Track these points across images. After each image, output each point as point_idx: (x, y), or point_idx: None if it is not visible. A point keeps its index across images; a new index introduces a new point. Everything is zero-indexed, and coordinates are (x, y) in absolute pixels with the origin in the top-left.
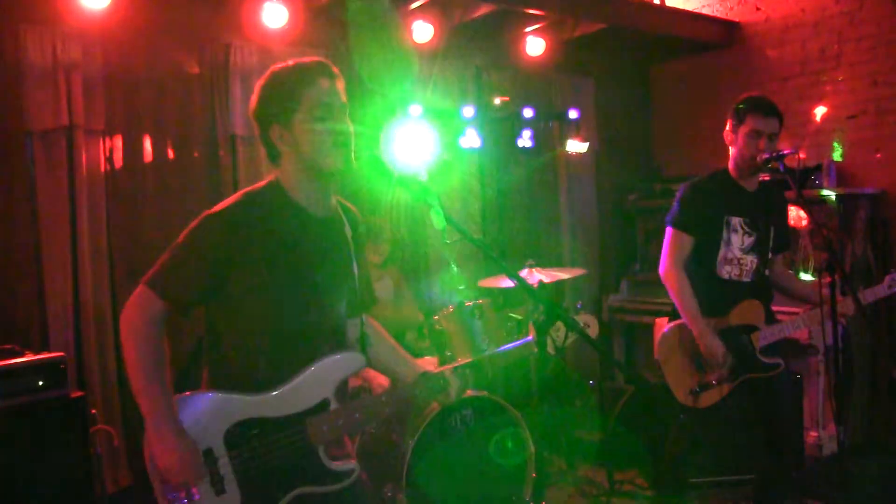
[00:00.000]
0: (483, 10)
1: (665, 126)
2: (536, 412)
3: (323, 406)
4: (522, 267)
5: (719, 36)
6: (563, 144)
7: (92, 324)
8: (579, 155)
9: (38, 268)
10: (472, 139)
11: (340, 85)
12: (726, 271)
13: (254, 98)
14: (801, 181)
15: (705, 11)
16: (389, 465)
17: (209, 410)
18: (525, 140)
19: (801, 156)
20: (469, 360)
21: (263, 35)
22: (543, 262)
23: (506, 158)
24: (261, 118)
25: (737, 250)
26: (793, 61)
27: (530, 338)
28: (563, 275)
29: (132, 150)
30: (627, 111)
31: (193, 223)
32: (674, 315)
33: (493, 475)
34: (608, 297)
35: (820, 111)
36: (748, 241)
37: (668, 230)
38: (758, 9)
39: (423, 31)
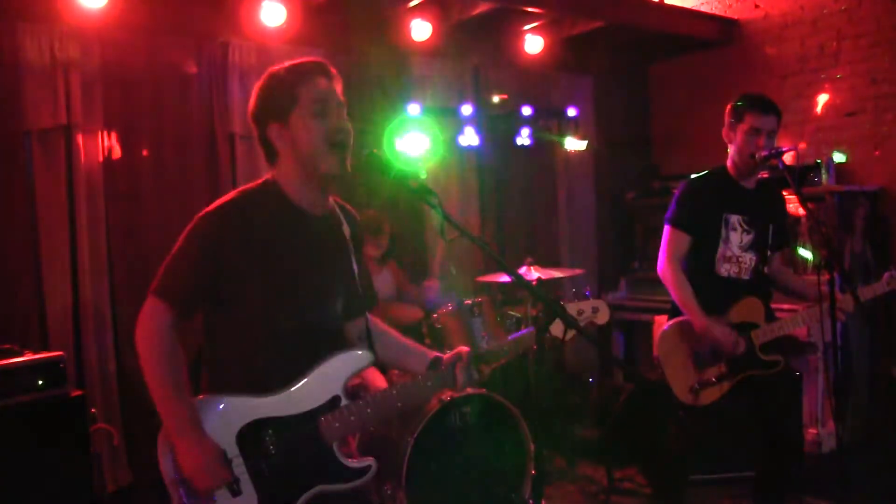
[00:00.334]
0: (481, 8)
1: (664, 124)
2: (535, 410)
3: (334, 403)
4: (521, 265)
5: (718, 33)
6: (561, 143)
7: (91, 323)
8: (578, 153)
9: (36, 267)
10: (470, 137)
11: (338, 85)
12: (725, 269)
13: (252, 99)
14: (800, 179)
15: (704, 9)
16: (389, 462)
17: (221, 413)
18: (523, 138)
19: (801, 149)
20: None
21: (262, 33)
22: (542, 260)
23: (504, 156)
24: (259, 117)
25: (735, 248)
26: (792, 59)
27: (532, 328)
28: (561, 274)
29: (130, 148)
30: (626, 109)
31: (190, 224)
32: (673, 313)
33: (493, 473)
34: (607, 295)
35: (819, 109)
36: (747, 238)
37: (667, 228)
38: (757, 6)
39: (421, 29)
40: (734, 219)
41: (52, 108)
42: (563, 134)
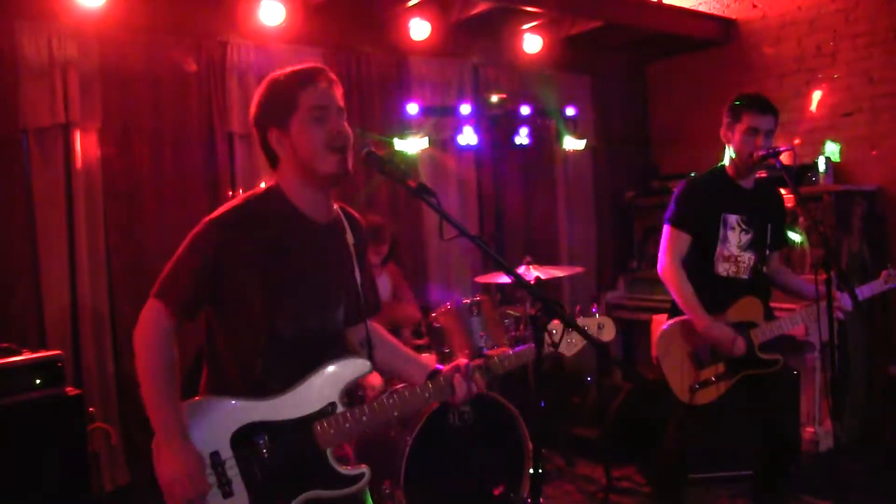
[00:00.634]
0: (481, 7)
1: (662, 123)
2: (534, 409)
3: (329, 409)
4: (520, 264)
5: (716, 33)
6: (560, 142)
7: (89, 322)
8: (577, 153)
9: (34, 266)
10: (469, 137)
11: (338, 90)
12: (724, 269)
13: (253, 105)
14: (798, 178)
15: (702, 9)
16: (388, 461)
17: (216, 415)
18: (522, 137)
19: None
20: (477, 360)
21: (260, 33)
22: (541, 260)
23: (503, 156)
24: (259, 122)
25: (734, 248)
26: (789, 59)
27: (533, 345)
28: (560, 273)
29: (129, 147)
30: (625, 109)
31: (195, 229)
32: (673, 312)
33: (491, 472)
34: (605, 294)
35: (816, 108)
36: (745, 238)
37: (666, 228)
38: (754, 6)
39: (420, 29)
40: (733, 218)
41: (50, 106)
42: (561, 133)
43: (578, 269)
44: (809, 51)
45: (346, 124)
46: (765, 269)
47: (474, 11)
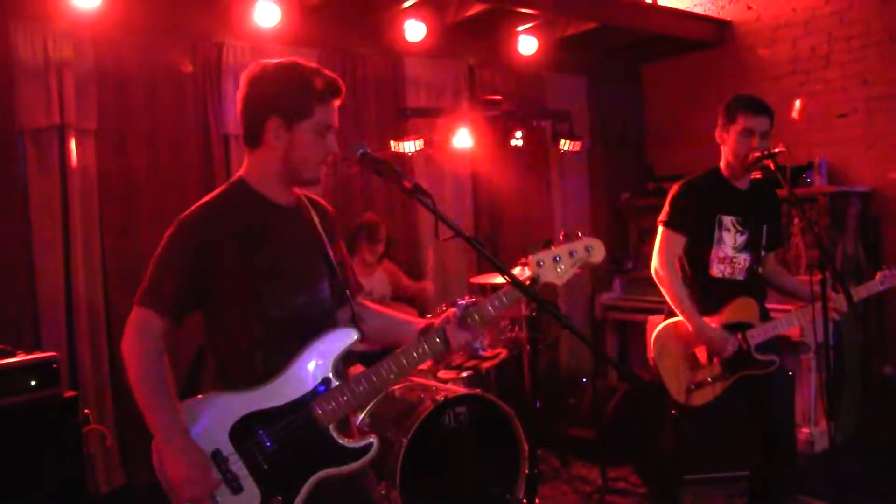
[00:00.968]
0: (476, 8)
1: (657, 125)
2: (529, 409)
3: (324, 385)
4: (515, 265)
5: (711, 35)
6: (555, 143)
7: (84, 323)
8: (572, 154)
9: (30, 267)
10: (464, 138)
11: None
12: (719, 270)
13: (262, 86)
14: (793, 179)
15: (697, 10)
16: (383, 462)
17: (210, 413)
18: (517, 139)
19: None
20: (467, 298)
21: (256, 34)
22: None
23: (498, 157)
24: (264, 106)
25: (729, 249)
26: (784, 60)
27: (509, 283)
28: None
29: (124, 149)
30: (620, 110)
31: (169, 231)
32: (669, 313)
33: (487, 473)
34: (601, 295)
35: (810, 110)
36: (740, 239)
37: (660, 229)
38: (749, 8)
39: (415, 30)
40: (728, 220)
41: (46, 107)
42: (556, 134)
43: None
44: (804, 52)
45: (335, 141)
46: (760, 269)
47: (469, 13)
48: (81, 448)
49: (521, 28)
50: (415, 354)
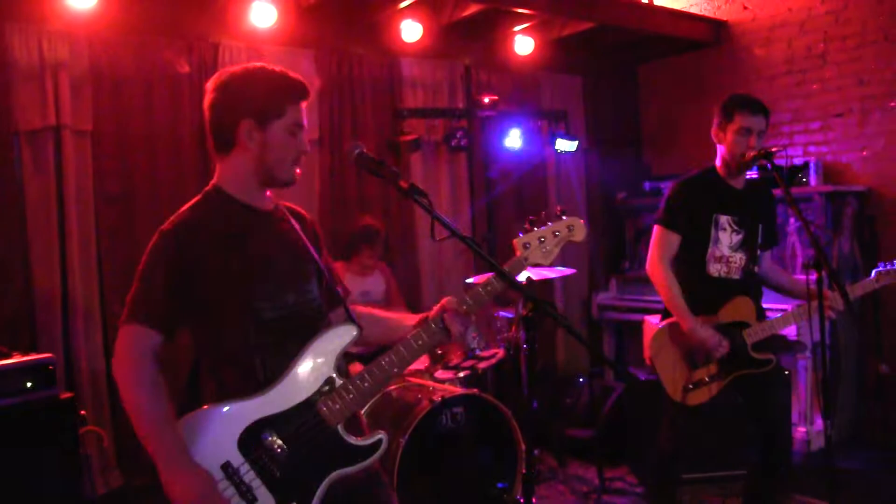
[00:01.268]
0: (472, 9)
1: (654, 125)
2: (526, 409)
3: (328, 385)
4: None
5: (707, 35)
6: (552, 143)
7: (81, 325)
8: (568, 154)
9: (26, 269)
10: (461, 138)
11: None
12: (715, 269)
13: (232, 88)
14: (789, 178)
15: (693, 10)
16: (381, 462)
17: (215, 425)
18: (514, 139)
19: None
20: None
21: (252, 34)
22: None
23: (494, 157)
24: (237, 108)
25: (725, 248)
26: (779, 60)
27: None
28: (551, 274)
29: (120, 149)
30: (616, 110)
31: (150, 243)
32: (666, 313)
33: (484, 473)
34: (597, 295)
35: (806, 110)
36: (736, 238)
37: (656, 228)
38: (745, 8)
39: (412, 31)
40: (724, 219)
41: (41, 109)
42: (553, 134)
43: (570, 271)
44: (800, 52)
45: (306, 141)
46: (756, 268)
47: (466, 13)
48: (78, 449)
49: (517, 28)
50: (415, 345)
